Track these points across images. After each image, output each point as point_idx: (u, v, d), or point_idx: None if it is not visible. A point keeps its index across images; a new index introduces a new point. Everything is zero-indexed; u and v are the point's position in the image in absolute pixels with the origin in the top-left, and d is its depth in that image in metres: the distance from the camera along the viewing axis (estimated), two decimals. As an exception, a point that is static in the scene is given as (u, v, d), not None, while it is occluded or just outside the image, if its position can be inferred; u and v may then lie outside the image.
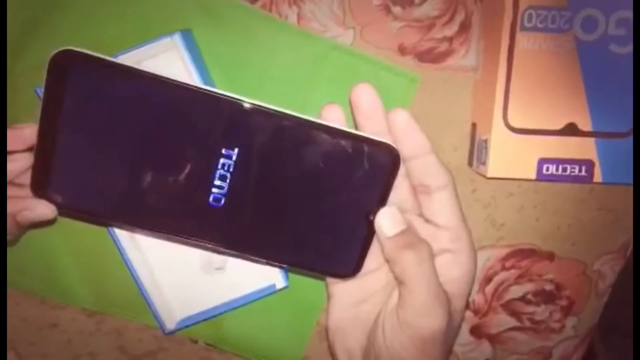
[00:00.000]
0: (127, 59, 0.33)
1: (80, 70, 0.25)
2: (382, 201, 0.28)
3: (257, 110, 0.27)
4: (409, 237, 0.28)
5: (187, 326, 0.38)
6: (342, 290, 0.31)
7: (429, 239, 0.29)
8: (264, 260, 0.30)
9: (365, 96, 0.28)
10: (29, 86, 0.33)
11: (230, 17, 0.36)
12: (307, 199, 0.28)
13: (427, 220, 0.30)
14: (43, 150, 0.27)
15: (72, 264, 0.39)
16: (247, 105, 0.26)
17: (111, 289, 0.39)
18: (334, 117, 0.29)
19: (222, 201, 0.28)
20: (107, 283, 0.39)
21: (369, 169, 0.28)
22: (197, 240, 0.29)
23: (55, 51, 0.25)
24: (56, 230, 0.38)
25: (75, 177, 0.27)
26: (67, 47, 0.25)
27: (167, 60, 0.35)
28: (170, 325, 0.38)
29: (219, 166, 0.27)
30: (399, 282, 0.28)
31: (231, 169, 0.27)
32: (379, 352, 0.29)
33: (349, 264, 0.30)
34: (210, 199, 0.28)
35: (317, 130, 0.27)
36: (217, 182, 0.28)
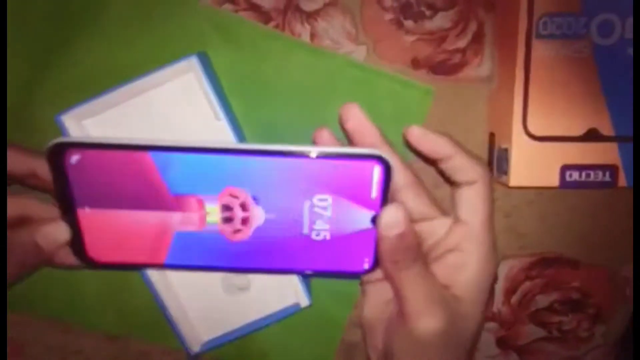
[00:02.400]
0: (144, 83, 0.34)
1: (77, 155, 0.28)
2: (383, 206, 0.29)
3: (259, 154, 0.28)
4: (405, 240, 0.28)
5: (212, 348, 0.38)
6: (374, 289, 0.32)
7: (446, 232, 0.30)
8: (288, 270, 0.31)
9: (352, 114, 0.30)
10: (51, 112, 0.34)
11: (244, 38, 0.36)
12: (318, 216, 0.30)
13: (454, 216, 0.31)
14: (70, 224, 0.30)
15: (96, 289, 0.39)
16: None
17: (135, 313, 0.39)
18: (325, 140, 0.31)
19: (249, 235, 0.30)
20: (130, 307, 0.39)
21: (363, 179, 0.28)
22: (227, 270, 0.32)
23: (49, 145, 0.27)
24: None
25: (106, 238, 0.30)
26: (58, 140, 0.27)
27: (185, 82, 0.35)
28: (195, 347, 0.37)
29: (238, 206, 0.29)
30: (391, 282, 0.29)
31: (250, 206, 0.29)
32: (389, 352, 0.30)
33: (364, 262, 0.31)
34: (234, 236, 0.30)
35: (306, 155, 0.28)
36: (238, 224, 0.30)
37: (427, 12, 0.37)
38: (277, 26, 0.37)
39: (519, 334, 0.42)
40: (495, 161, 0.37)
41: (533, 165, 0.34)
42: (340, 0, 0.36)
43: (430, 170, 0.38)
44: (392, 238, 0.28)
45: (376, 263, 0.30)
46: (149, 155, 0.28)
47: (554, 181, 0.34)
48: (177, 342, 0.37)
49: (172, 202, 0.29)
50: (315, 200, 0.29)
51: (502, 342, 0.42)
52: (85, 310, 0.40)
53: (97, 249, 0.30)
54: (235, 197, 0.29)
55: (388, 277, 0.29)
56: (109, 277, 0.39)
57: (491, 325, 0.41)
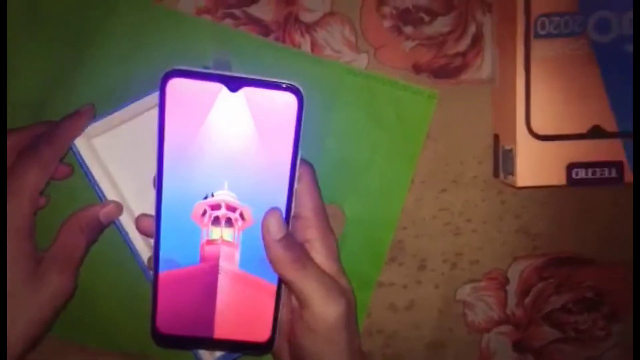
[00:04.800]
0: (152, 100, 0.34)
1: None
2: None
3: None
4: (291, 240, 0.29)
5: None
6: None
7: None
8: None
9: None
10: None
11: (245, 51, 0.37)
12: None
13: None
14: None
15: (113, 308, 0.39)
16: None
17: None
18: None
19: None
20: (147, 325, 0.39)
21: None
22: None
23: None
24: (95, 275, 0.38)
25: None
26: None
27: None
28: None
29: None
30: (289, 283, 0.30)
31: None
32: (299, 355, 0.31)
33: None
34: None
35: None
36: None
37: (426, 18, 0.37)
38: (277, 38, 0.37)
39: (535, 336, 0.41)
40: (501, 162, 0.37)
41: (539, 164, 0.34)
42: (339, 9, 0.37)
43: (438, 173, 0.39)
44: (279, 242, 0.29)
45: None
46: None
47: (562, 179, 0.34)
48: (194, 357, 0.37)
49: None
50: None
51: (518, 346, 0.41)
52: (103, 331, 0.40)
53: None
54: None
55: (286, 281, 0.30)
56: (127, 296, 0.39)
57: (506, 327, 0.41)
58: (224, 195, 0.29)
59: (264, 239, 0.29)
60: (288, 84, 0.28)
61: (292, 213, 0.30)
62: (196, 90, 0.28)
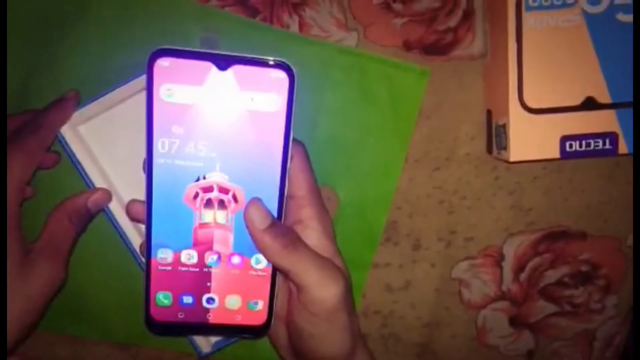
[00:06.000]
0: (136, 85, 0.33)
1: None
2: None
3: None
4: (278, 227, 0.29)
5: (222, 348, 0.37)
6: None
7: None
8: None
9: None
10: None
11: (232, 32, 0.36)
12: None
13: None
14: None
15: (104, 298, 0.39)
16: None
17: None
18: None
19: None
20: (140, 314, 0.39)
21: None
22: None
23: None
24: (85, 264, 0.38)
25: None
26: None
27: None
28: (205, 348, 0.37)
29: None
30: (283, 270, 0.29)
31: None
32: (298, 338, 0.31)
33: None
34: None
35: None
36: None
37: (415, -7, 0.36)
38: (264, 19, 0.36)
39: (531, 311, 0.41)
40: (495, 138, 0.36)
41: (532, 138, 0.33)
42: (326, -13, 0.36)
43: (430, 154, 0.38)
44: (266, 231, 0.28)
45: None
46: None
47: (555, 153, 0.34)
48: (188, 346, 0.37)
49: None
50: None
51: (514, 321, 0.41)
52: (95, 322, 0.39)
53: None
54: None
55: (280, 269, 0.30)
56: (117, 286, 0.39)
57: (502, 303, 0.41)
58: (216, 177, 0.28)
59: (249, 230, 0.29)
60: (279, 61, 0.28)
61: (286, 193, 0.29)
62: (184, 70, 0.27)
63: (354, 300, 0.32)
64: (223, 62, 0.27)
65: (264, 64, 0.28)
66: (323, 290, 0.29)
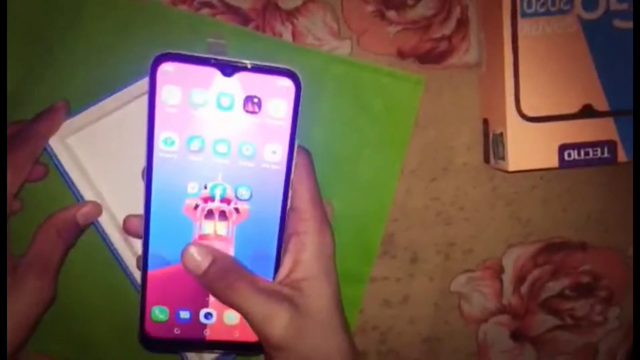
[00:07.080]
0: (124, 95, 0.33)
1: None
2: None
3: None
4: (219, 267, 0.28)
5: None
6: None
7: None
8: None
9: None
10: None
11: (225, 41, 0.36)
12: None
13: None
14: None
15: (92, 318, 0.38)
16: None
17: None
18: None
19: None
20: (133, 337, 0.38)
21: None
22: None
23: None
24: (73, 282, 0.37)
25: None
26: None
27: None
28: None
29: None
30: (231, 307, 0.28)
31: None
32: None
33: None
34: None
35: None
36: None
37: (410, 1, 0.36)
38: (257, 27, 0.36)
39: (532, 325, 0.40)
40: (492, 147, 0.36)
41: (530, 147, 0.33)
42: (319, -4, 0.36)
43: (431, 162, 0.38)
44: (203, 277, 0.28)
45: None
46: None
47: (554, 162, 0.33)
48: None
49: None
50: None
51: (516, 335, 0.40)
52: (82, 343, 0.38)
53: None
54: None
55: (226, 304, 0.29)
56: (105, 303, 0.38)
57: (503, 317, 0.40)
58: (217, 186, 0.28)
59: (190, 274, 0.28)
60: (285, 68, 0.27)
61: (289, 205, 0.29)
62: (188, 76, 0.26)
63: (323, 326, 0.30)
64: (228, 69, 0.27)
65: (270, 71, 0.27)
66: (267, 324, 0.28)
